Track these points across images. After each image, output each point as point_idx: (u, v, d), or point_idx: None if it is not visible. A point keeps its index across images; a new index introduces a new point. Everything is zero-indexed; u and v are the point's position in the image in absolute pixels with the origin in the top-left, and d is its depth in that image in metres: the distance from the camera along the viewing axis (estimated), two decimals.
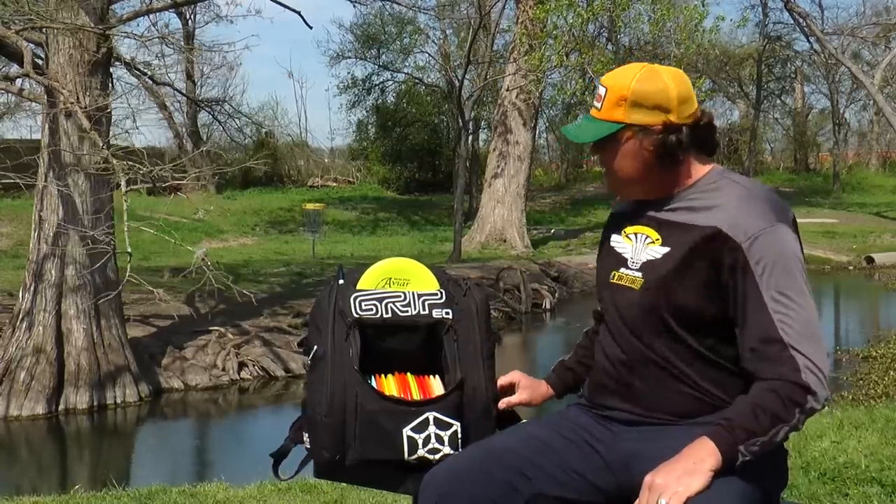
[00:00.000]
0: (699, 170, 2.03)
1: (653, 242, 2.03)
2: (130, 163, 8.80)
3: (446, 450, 2.10)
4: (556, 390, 2.35)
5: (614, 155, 2.03)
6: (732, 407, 1.88)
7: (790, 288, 1.88)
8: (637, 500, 1.80)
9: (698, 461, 1.80)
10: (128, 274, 8.85)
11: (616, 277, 2.08)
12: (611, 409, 2.08)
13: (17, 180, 9.45)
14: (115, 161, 8.66)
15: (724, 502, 1.79)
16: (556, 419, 2.17)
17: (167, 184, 9.89)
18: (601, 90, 2.02)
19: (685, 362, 1.98)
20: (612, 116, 2.00)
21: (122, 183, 8.51)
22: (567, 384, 2.35)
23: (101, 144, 9.13)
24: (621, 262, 2.08)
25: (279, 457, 2.24)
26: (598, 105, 2.02)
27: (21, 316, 10.17)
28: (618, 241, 2.12)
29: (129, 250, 8.72)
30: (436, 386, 2.21)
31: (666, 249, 2.00)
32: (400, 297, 2.22)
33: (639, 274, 2.03)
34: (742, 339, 1.91)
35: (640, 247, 2.05)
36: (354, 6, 21.94)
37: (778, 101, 38.28)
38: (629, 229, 2.09)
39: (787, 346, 1.86)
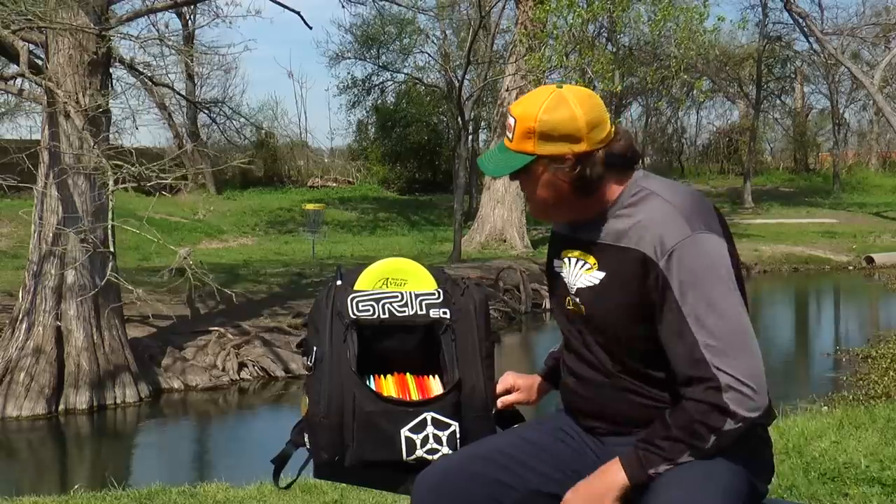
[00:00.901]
0: (620, 185, 1.99)
1: (590, 268, 2.01)
2: (119, 162, 8.81)
3: (445, 450, 2.10)
4: (551, 381, 2.35)
5: (531, 185, 2.00)
6: (652, 428, 1.90)
7: (711, 300, 1.85)
8: None
9: (608, 489, 1.87)
10: (109, 273, 8.87)
11: (568, 303, 2.07)
12: (589, 426, 2.10)
13: (15, 182, 9.42)
14: (105, 161, 8.66)
15: (709, 498, 1.80)
16: (547, 422, 2.19)
17: (152, 182, 9.84)
18: (510, 120, 1.98)
19: (642, 380, 1.99)
20: (522, 148, 1.96)
21: (110, 182, 8.52)
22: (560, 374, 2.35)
23: (93, 144, 9.12)
24: (566, 287, 2.07)
25: (280, 463, 2.24)
26: (510, 136, 1.97)
27: (21, 316, 10.17)
28: (559, 266, 2.11)
29: (112, 249, 8.74)
30: (435, 386, 2.21)
31: (601, 275, 1.98)
32: (397, 297, 2.22)
33: (578, 299, 2.03)
34: (672, 361, 1.90)
35: (576, 272, 2.04)
36: (352, 5, 22.01)
37: (778, 102, 38.26)
38: (565, 253, 2.08)
39: (710, 364, 1.83)
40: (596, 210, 2.00)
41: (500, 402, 2.27)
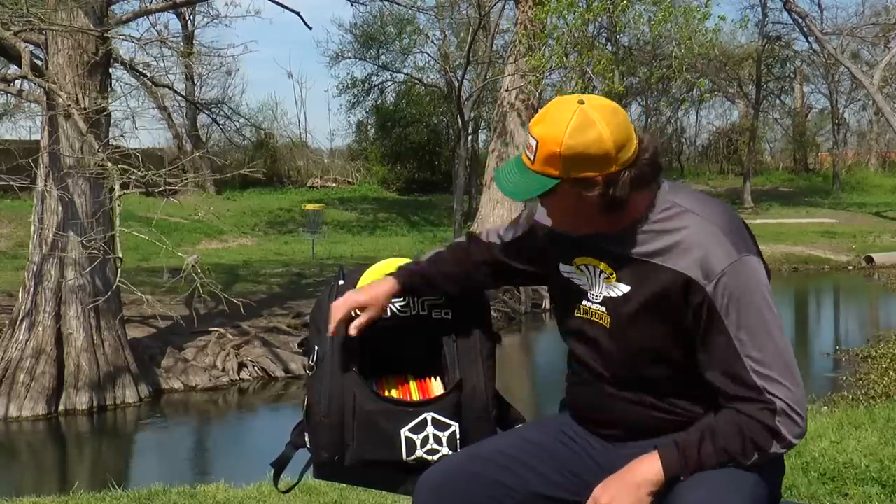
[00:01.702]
0: (646, 198, 1.92)
1: (609, 278, 1.96)
2: (125, 166, 8.80)
3: (445, 450, 2.10)
4: (402, 287, 2.19)
5: (554, 205, 1.94)
6: (696, 426, 1.88)
7: (759, 325, 1.83)
8: None
9: (645, 481, 1.84)
10: (118, 279, 8.84)
11: (583, 311, 2.02)
12: (604, 434, 2.08)
13: (13, 182, 9.42)
14: (110, 164, 8.65)
15: (737, 499, 1.81)
16: (549, 423, 2.17)
17: (161, 188, 9.83)
18: (532, 142, 1.86)
19: (660, 393, 1.97)
20: (546, 171, 1.85)
21: (116, 187, 8.50)
22: (415, 287, 2.22)
23: (98, 147, 9.13)
24: (581, 293, 2.02)
25: (280, 466, 2.23)
26: (531, 156, 1.86)
27: (21, 317, 10.17)
28: (570, 272, 2.05)
29: (120, 255, 8.72)
30: (436, 387, 2.21)
31: (627, 288, 1.93)
32: (399, 298, 2.22)
33: (603, 309, 1.97)
34: (714, 383, 1.87)
35: (596, 279, 1.99)
36: (353, 6, 22.08)
37: (777, 101, 38.26)
38: (579, 261, 2.02)
39: (762, 389, 1.82)
40: (622, 224, 1.93)
41: (352, 330, 2.12)
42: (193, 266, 9.20)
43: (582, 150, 1.81)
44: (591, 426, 2.09)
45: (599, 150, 1.81)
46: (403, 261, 2.29)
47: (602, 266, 1.98)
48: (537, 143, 1.85)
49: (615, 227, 1.94)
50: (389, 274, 2.21)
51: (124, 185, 8.73)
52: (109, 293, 9.69)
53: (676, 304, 1.87)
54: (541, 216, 2.14)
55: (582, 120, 1.81)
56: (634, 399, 1.99)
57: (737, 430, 1.83)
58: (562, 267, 2.07)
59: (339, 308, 2.15)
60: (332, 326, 2.14)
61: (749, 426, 1.82)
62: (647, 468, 1.84)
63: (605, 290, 1.97)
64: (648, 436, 1.98)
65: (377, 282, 2.20)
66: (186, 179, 13.28)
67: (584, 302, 2.01)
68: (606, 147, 1.81)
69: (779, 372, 1.82)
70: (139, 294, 9.32)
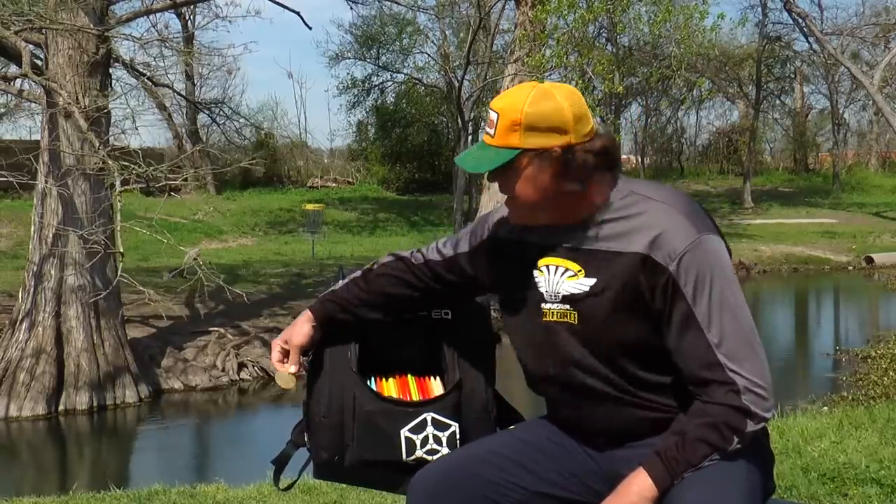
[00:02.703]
0: (604, 190, 1.94)
1: (574, 275, 1.94)
2: (125, 163, 8.82)
3: (444, 451, 2.10)
4: (315, 315, 2.18)
5: (514, 182, 1.92)
6: (670, 430, 1.88)
7: (722, 303, 1.84)
8: None
9: (641, 499, 1.83)
10: (119, 274, 8.85)
11: (546, 314, 1.98)
12: (589, 442, 2.05)
13: (12, 179, 9.43)
14: (110, 161, 8.67)
15: (731, 498, 1.81)
16: (542, 423, 2.14)
17: (161, 183, 9.85)
18: (493, 115, 1.91)
19: (637, 387, 1.95)
20: (507, 142, 1.89)
21: (117, 183, 8.52)
22: (328, 314, 2.19)
23: (98, 145, 9.14)
24: (540, 297, 1.99)
25: (280, 464, 2.23)
26: (492, 132, 1.90)
27: (21, 317, 10.18)
28: (529, 277, 2.02)
29: (121, 250, 8.74)
30: (436, 387, 2.20)
31: (592, 281, 1.92)
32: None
33: (567, 306, 1.95)
34: (682, 365, 1.88)
35: (557, 279, 1.97)
36: (352, 7, 22.04)
37: (777, 102, 38.24)
38: (542, 262, 1.99)
39: (725, 367, 1.83)
40: (582, 213, 1.94)
41: (291, 367, 2.14)
42: (195, 259, 9.22)
43: (541, 117, 1.86)
44: (575, 436, 2.06)
45: (559, 118, 1.87)
46: None
47: (566, 264, 1.96)
48: (498, 115, 1.89)
49: (577, 215, 1.94)
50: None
51: (124, 182, 8.74)
52: (109, 289, 9.70)
53: (641, 286, 1.88)
54: (498, 226, 2.12)
55: (541, 92, 1.89)
56: (608, 406, 1.96)
57: (709, 421, 1.83)
58: (526, 272, 2.03)
59: (273, 348, 2.17)
60: (276, 365, 2.16)
61: (719, 413, 1.83)
62: (639, 486, 1.84)
63: (568, 288, 1.95)
64: (634, 439, 1.97)
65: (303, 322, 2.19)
66: (186, 175, 13.27)
67: (543, 305, 1.99)
68: (565, 116, 1.87)
69: (741, 348, 1.84)
70: (139, 287, 9.33)
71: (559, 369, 2.00)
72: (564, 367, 1.99)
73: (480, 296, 2.23)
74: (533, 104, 1.87)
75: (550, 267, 1.98)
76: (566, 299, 1.95)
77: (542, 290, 1.99)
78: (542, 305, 1.99)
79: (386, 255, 2.26)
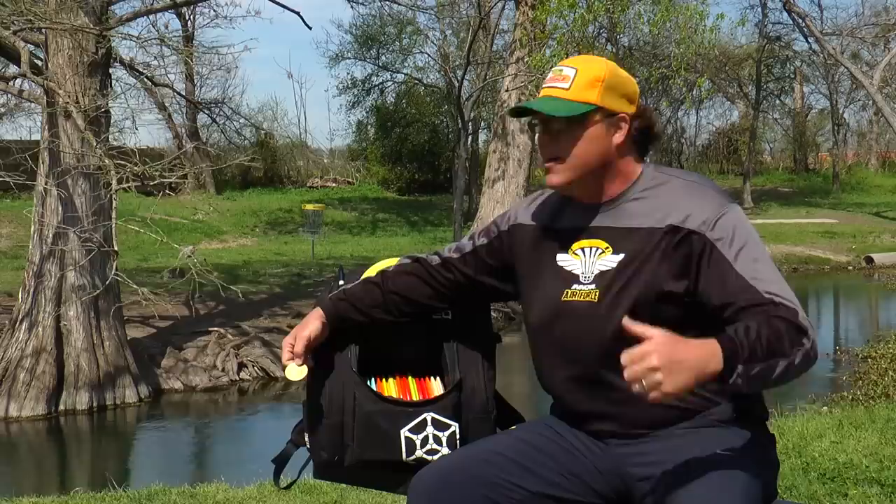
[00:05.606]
0: (636, 169, 2.02)
1: (602, 253, 1.98)
2: (122, 162, 8.82)
3: (444, 451, 2.10)
4: (325, 312, 2.17)
5: (575, 139, 1.95)
6: (738, 327, 1.76)
7: (760, 257, 1.89)
8: (628, 352, 1.67)
9: (701, 363, 1.67)
10: (114, 273, 8.85)
11: (568, 295, 1.99)
12: (588, 429, 2.04)
13: (9, 179, 9.42)
14: (108, 161, 8.68)
15: (733, 497, 1.80)
16: (542, 424, 2.13)
17: (157, 181, 9.84)
18: (568, 71, 1.96)
19: None
20: (584, 97, 1.94)
21: (113, 182, 8.53)
22: (341, 313, 2.18)
23: (95, 144, 9.14)
24: (572, 279, 2.00)
25: (280, 463, 2.23)
26: (566, 85, 1.95)
27: (21, 317, 10.18)
28: (565, 260, 2.03)
29: (117, 248, 8.74)
30: (436, 387, 2.20)
31: (619, 257, 1.95)
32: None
33: (592, 286, 1.96)
34: (731, 311, 1.83)
35: (590, 260, 1.99)
36: (353, 7, 22.04)
37: (777, 102, 38.24)
38: (576, 245, 2.02)
39: (775, 295, 1.82)
40: (616, 190, 2.00)
41: (296, 360, 2.11)
42: (189, 257, 9.22)
43: (620, 81, 1.98)
44: (583, 427, 2.04)
45: (632, 88, 2.00)
46: None
47: (597, 244, 1.99)
48: (576, 70, 1.97)
49: (605, 192, 2.00)
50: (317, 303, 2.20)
51: (120, 180, 8.74)
52: (102, 288, 9.69)
53: (669, 253, 1.90)
54: (524, 217, 2.13)
55: (614, 65, 2.01)
56: (623, 389, 1.89)
57: (775, 328, 1.76)
58: (559, 257, 2.04)
59: (284, 347, 2.15)
60: (285, 358, 2.13)
61: (785, 325, 1.77)
62: (707, 355, 1.68)
63: (598, 267, 1.97)
64: (643, 428, 1.96)
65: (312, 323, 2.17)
66: (184, 172, 13.26)
67: (575, 286, 1.99)
68: (635, 88, 2.01)
69: (785, 295, 1.84)
70: (136, 287, 9.32)
71: (575, 352, 1.98)
72: (584, 350, 1.97)
73: (497, 294, 2.21)
74: (613, 68, 1.98)
75: (586, 249, 2.01)
76: (595, 279, 1.97)
77: (577, 272, 2.00)
78: (575, 286, 2.00)
79: (402, 257, 2.26)
